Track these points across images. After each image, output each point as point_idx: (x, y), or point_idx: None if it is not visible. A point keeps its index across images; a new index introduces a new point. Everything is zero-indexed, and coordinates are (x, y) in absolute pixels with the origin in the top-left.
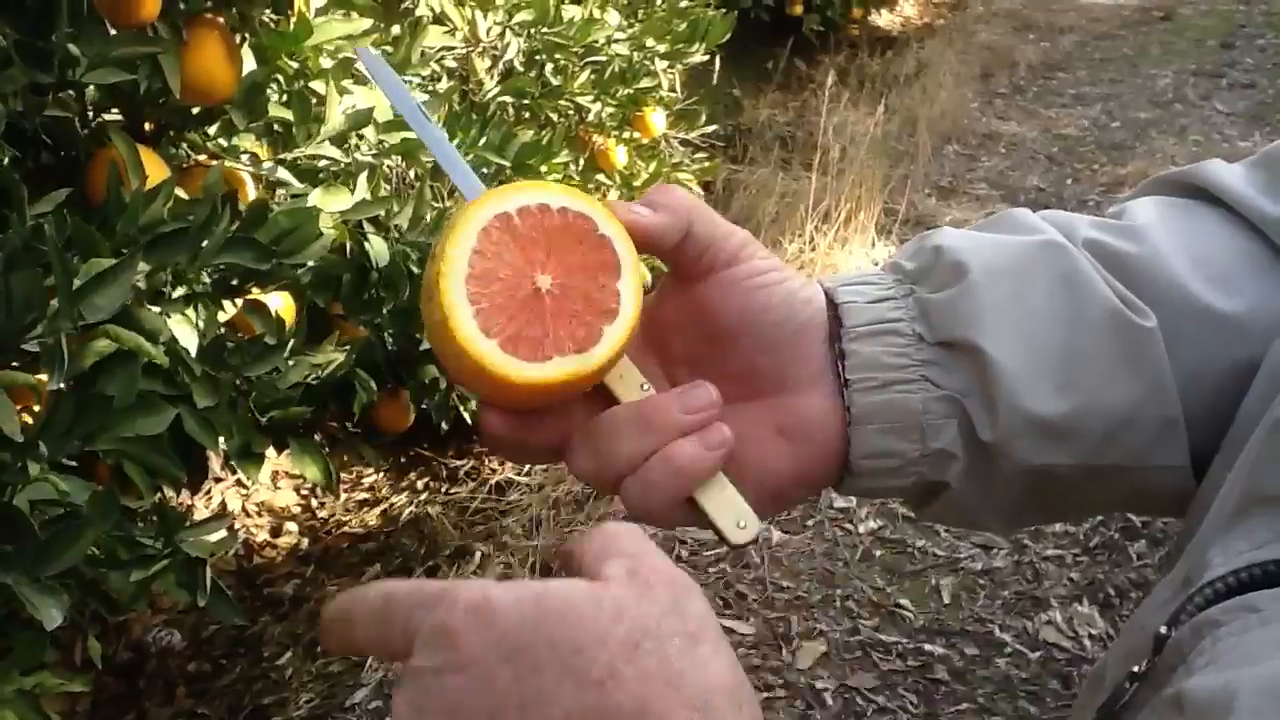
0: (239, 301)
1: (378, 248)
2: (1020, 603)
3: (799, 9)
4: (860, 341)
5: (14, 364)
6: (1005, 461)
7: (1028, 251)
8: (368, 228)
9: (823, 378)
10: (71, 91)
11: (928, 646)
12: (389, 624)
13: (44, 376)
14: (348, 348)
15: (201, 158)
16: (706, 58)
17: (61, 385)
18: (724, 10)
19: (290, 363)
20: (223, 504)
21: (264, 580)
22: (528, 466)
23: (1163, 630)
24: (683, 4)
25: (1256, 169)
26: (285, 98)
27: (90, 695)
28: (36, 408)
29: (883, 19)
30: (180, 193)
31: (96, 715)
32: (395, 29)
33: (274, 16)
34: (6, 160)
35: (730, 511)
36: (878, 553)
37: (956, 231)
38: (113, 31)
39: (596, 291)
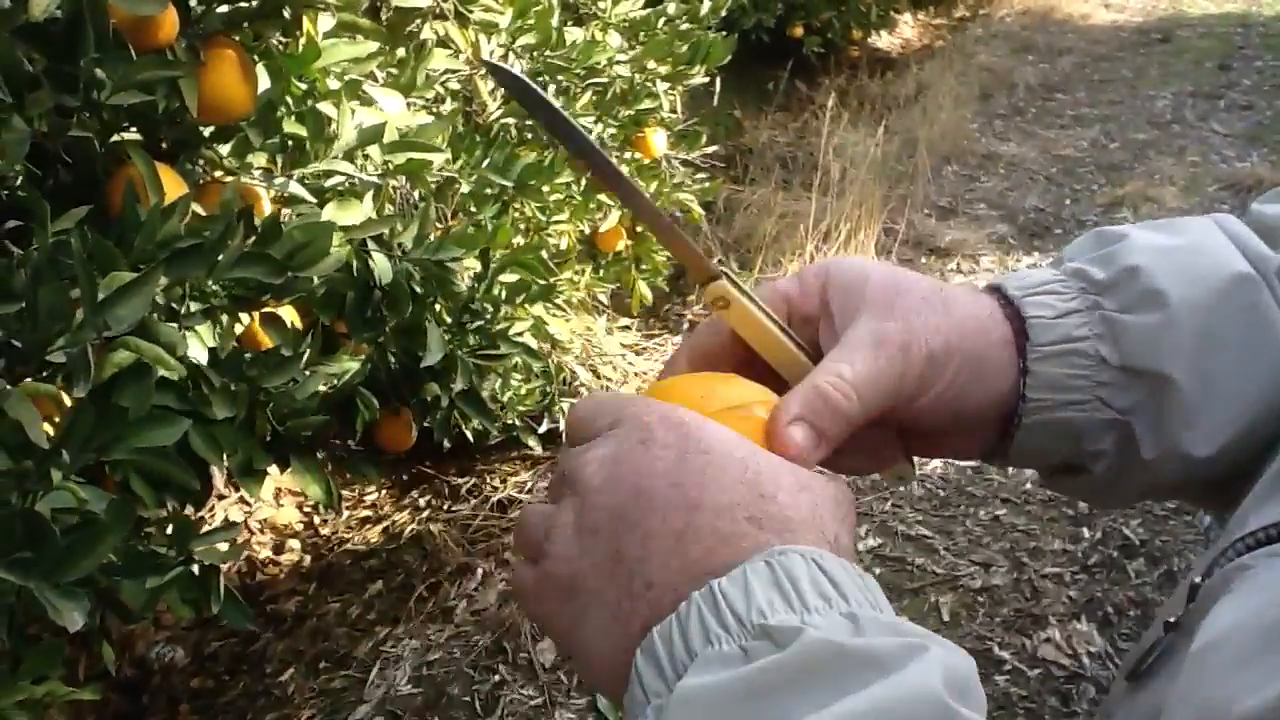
0: (254, 315)
1: (381, 266)
2: (1019, 620)
3: (799, 31)
4: (1044, 362)
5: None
6: (1151, 473)
7: (1223, 287)
8: (372, 246)
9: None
10: (91, 113)
11: None
12: (599, 414)
13: (55, 388)
14: (362, 357)
15: (217, 174)
16: (707, 79)
17: (83, 395)
18: (724, 33)
19: (307, 373)
20: (226, 520)
21: (266, 597)
22: (529, 484)
23: (1197, 580)
24: (683, 26)
25: None
26: (296, 116)
27: (94, 711)
28: (57, 418)
29: (882, 41)
30: (197, 209)
31: None
32: (400, 52)
33: (283, 40)
34: (21, 179)
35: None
36: (877, 570)
37: (1144, 242)
38: (135, 55)
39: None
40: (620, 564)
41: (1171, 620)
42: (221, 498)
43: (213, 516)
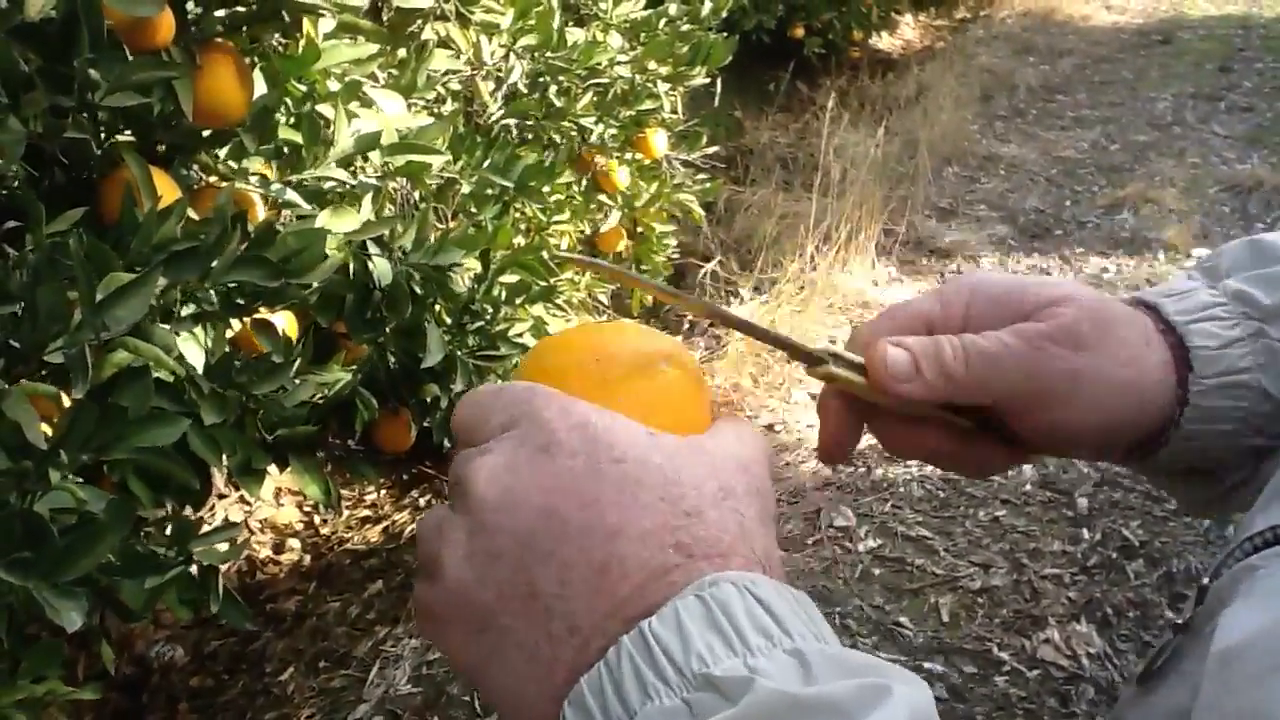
0: (246, 320)
1: (381, 268)
2: (1018, 621)
3: (800, 32)
4: (1207, 395)
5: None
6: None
7: None
8: (371, 248)
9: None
10: (86, 114)
11: (926, 665)
12: (492, 409)
13: (53, 389)
14: (354, 368)
15: (212, 179)
16: (708, 80)
17: (82, 395)
18: (725, 34)
19: (296, 381)
20: (226, 520)
21: (266, 596)
22: None
23: (1205, 581)
24: (684, 27)
25: None
26: (294, 120)
27: (94, 710)
28: (55, 419)
29: (883, 42)
30: (191, 213)
31: None
32: (401, 53)
33: (282, 41)
34: (19, 180)
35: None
36: (877, 571)
37: None
38: (130, 57)
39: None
40: (535, 600)
41: (1180, 622)
42: (222, 497)
43: (213, 516)
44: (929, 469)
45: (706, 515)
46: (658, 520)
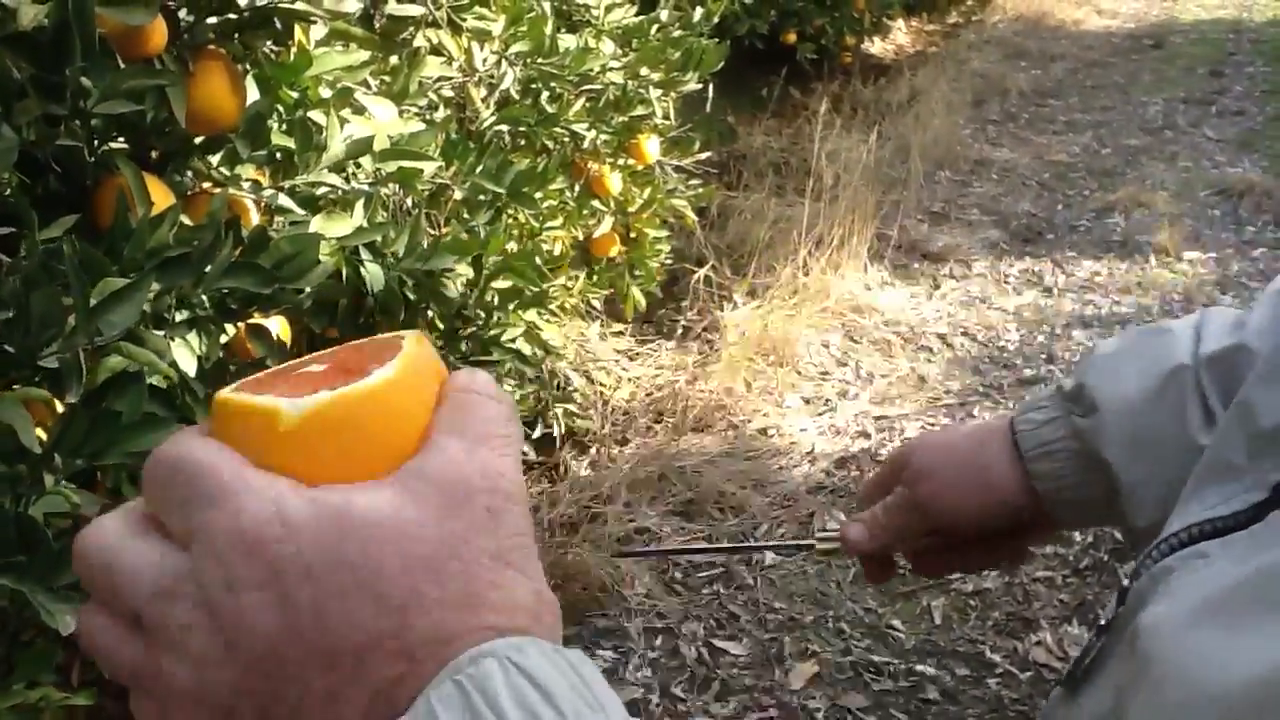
0: (241, 326)
1: (374, 274)
2: (1011, 624)
3: (792, 37)
4: (1034, 461)
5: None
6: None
7: (1154, 390)
8: (364, 254)
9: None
10: (79, 122)
11: (919, 667)
12: (169, 493)
13: (47, 394)
14: None
15: (206, 185)
16: (700, 86)
17: (75, 400)
18: (717, 39)
19: None
20: None
21: None
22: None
23: (1126, 583)
24: (676, 33)
25: None
26: (286, 126)
27: (88, 716)
28: (48, 423)
29: (876, 47)
30: (185, 219)
31: None
32: (393, 59)
33: (274, 48)
34: (13, 186)
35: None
36: None
37: (1097, 360)
38: (122, 64)
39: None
40: None
41: (1104, 624)
42: None
43: None
44: None
45: (424, 598)
46: (369, 632)
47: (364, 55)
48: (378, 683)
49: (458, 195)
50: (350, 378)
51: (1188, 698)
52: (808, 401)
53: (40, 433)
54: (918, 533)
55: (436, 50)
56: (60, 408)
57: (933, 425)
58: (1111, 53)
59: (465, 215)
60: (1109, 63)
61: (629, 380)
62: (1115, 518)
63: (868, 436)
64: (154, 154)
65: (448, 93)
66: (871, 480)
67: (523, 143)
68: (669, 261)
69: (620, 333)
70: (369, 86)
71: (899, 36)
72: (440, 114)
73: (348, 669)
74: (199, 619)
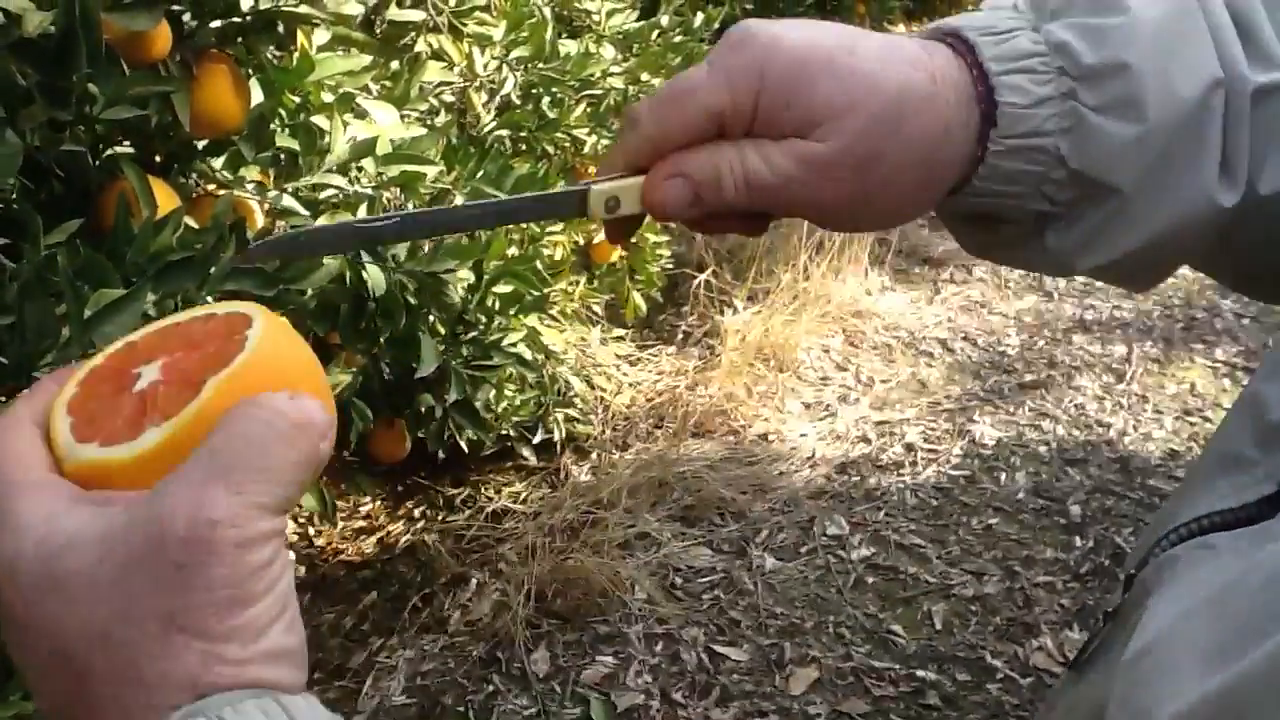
0: None
1: (375, 277)
2: (1011, 629)
3: None
4: (1004, 156)
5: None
6: (1033, 251)
7: (1195, 105)
8: (365, 257)
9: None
10: (84, 127)
11: (920, 672)
12: None
13: None
14: (354, 370)
15: (210, 188)
16: None
17: None
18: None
19: None
20: None
21: None
22: (523, 494)
23: (1132, 572)
24: (677, 39)
25: None
26: (289, 129)
27: None
28: None
29: None
30: (190, 221)
31: None
32: (394, 64)
33: (277, 53)
34: (17, 191)
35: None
36: (870, 579)
37: (1139, 25)
38: (127, 70)
39: (211, 360)
40: None
41: (1109, 611)
42: None
43: None
44: (922, 477)
45: (93, 670)
46: (59, 695)
47: (366, 60)
48: None
49: (458, 199)
50: (185, 392)
51: (1183, 689)
52: (808, 407)
53: None
54: (770, 209)
55: (437, 55)
56: None
57: (933, 429)
58: None
59: None
60: None
61: (630, 385)
62: (1011, 244)
63: (868, 442)
64: (158, 158)
65: (449, 98)
66: (689, 107)
67: (523, 147)
68: (669, 267)
69: (621, 338)
70: (370, 91)
71: None
72: (441, 119)
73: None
74: None
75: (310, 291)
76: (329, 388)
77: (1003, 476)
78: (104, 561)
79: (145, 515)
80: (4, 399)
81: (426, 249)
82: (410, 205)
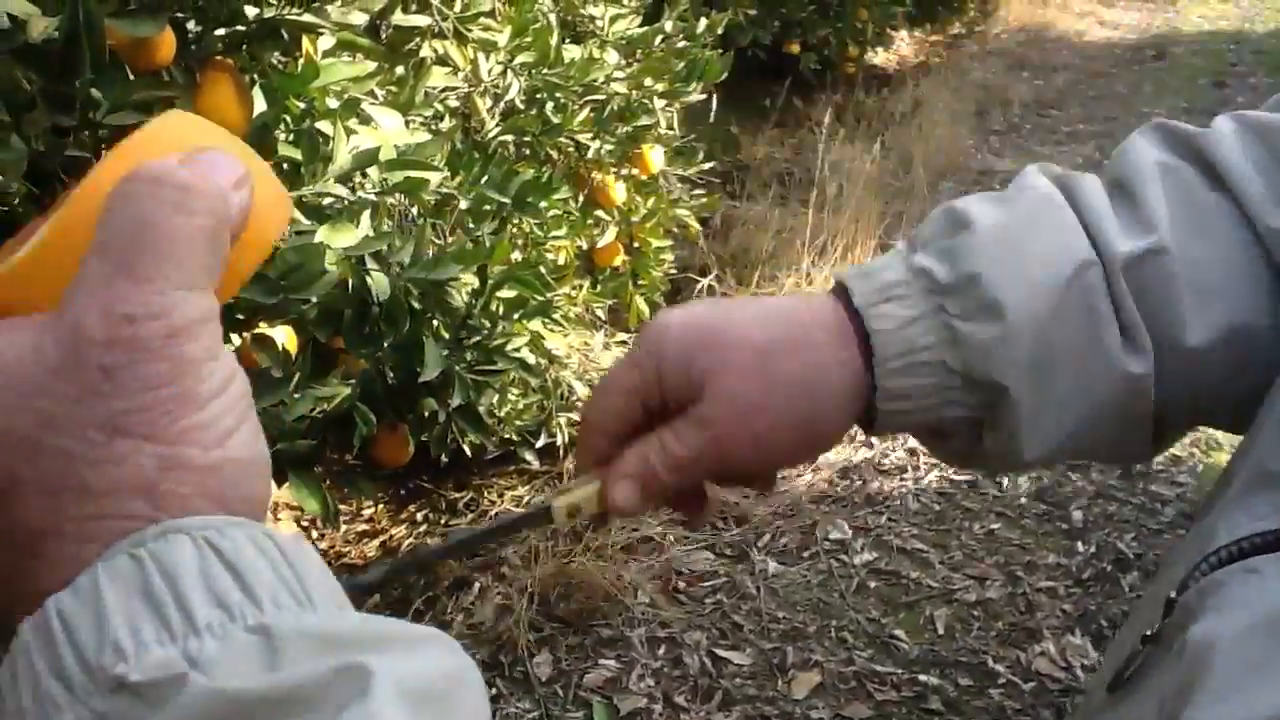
0: (246, 335)
1: (379, 283)
2: (1013, 634)
3: (796, 48)
4: (891, 377)
5: None
6: (994, 457)
7: (1061, 290)
8: (369, 263)
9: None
10: (87, 132)
11: (922, 677)
12: None
13: None
14: (353, 381)
15: None
16: (704, 96)
17: None
18: (721, 50)
19: (296, 395)
20: None
21: None
22: (526, 498)
23: (1172, 595)
24: (680, 44)
25: (1265, 162)
26: (293, 137)
27: None
28: None
29: (879, 58)
30: None
31: None
32: (399, 70)
33: (281, 59)
34: (21, 196)
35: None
36: (873, 584)
37: (986, 239)
38: (131, 76)
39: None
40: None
41: (1149, 634)
42: None
43: None
44: (924, 482)
45: (21, 484)
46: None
47: (371, 66)
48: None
49: (463, 205)
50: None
51: (1244, 713)
52: None
53: None
54: (706, 478)
55: (442, 61)
56: None
57: None
58: (1114, 64)
59: (470, 225)
60: (1111, 73)
61: None
62: (966, 451)
63: (870, 446)
64: None
65: (453, 103)
66: (614, 393)
67: (527, 153)
68: (673, 271)
69: (624, 342)
70: (375, 97)
71: (902, 47)
72: (446, 124)
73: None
74: None
75: (314, 299)
76: (243, 144)
77: (1005, 481)
78: (18, 377)
79: (55, 329)
80: None
81: (430, 254)
82: (415, 211)
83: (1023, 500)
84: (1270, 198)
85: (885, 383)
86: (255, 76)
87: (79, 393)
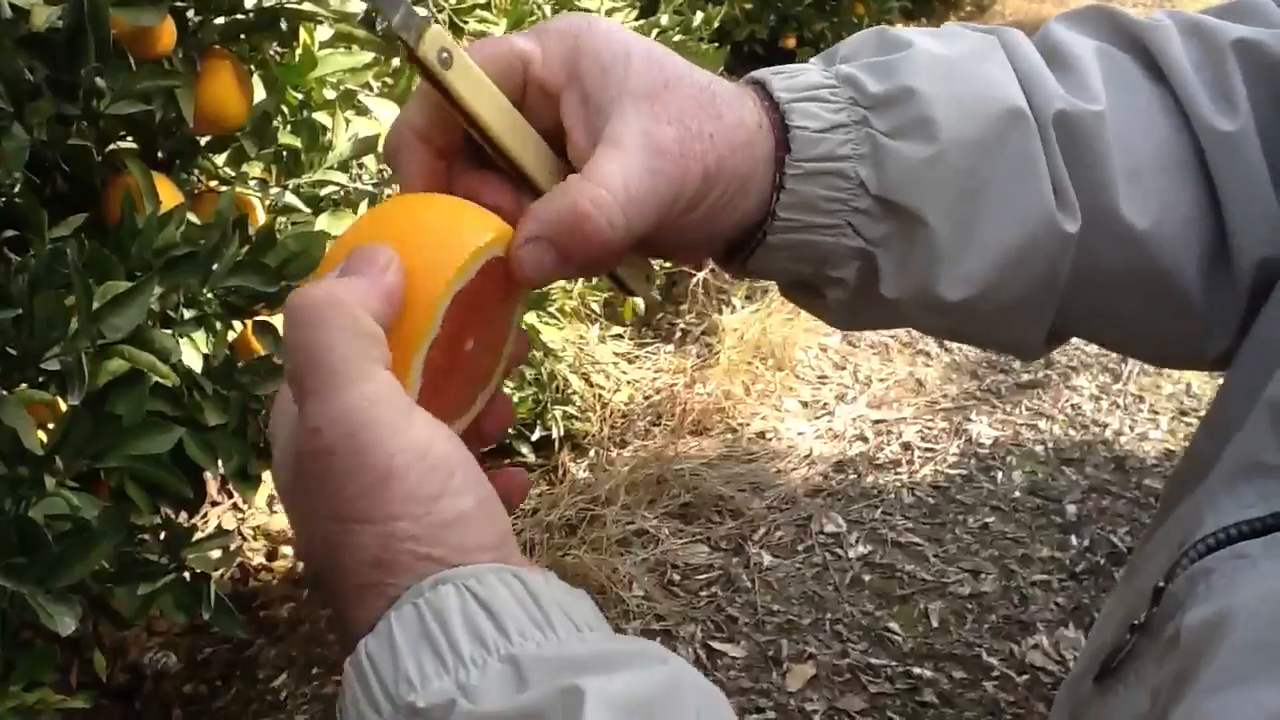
0: (247, 323)
1: None
2: (1007, 627)
3: (792, 42)
4: (803, 180)
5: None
6: (887, 309)
7: (996, 125)
8: None
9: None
10: (87, 121)
11: (916, 670)
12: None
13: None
14: None
15: (213, 184)
16: None
17: (77, 403)
18: (717, 44)
19: None
20: (219, 527)
21: (260, 603)
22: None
23: (1160, 584)
24: (676, 38)
25: (1204, 57)
26: (292, 126)
27: (85, 718)
28: (51, 425)
29: None
30: (192, 217)
31: None
32: (395, 61)
33: (280, 50)
34: (22, 185)
35: (640, 269)
36: (867, 577)
37: (925, 58)
38: (134, 65)
39: (476, 373)
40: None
41: (1136, 623)
42: (214, 504)
43: (205, 524)
44: (919, 475)
45: (312, 557)
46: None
47: (368, 57)
48: (356, 584)
49: None
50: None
51: (1240, 705)
52: (806, 405)
53: (42, 435)
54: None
55: None
56: (62, 408)
57: (931, 428)
58: None
59: None
60: None
61: (628, 383)
62: (847, 301)
63: (865, 440)
64: (160, 154)
65: None
66: (535, 46)
67: None
68: (668, 266)
69: (619, 336)
70: (371, 88)
71: None
72: None
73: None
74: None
75: None
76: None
77: (999, 475)
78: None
79: (284, 439)
80: (10, 392)
81: None
82: None
83: (1017, 494)
84: (1212, 98)
85: (796, 185)
86: (254, 66)
87: (309, 494)
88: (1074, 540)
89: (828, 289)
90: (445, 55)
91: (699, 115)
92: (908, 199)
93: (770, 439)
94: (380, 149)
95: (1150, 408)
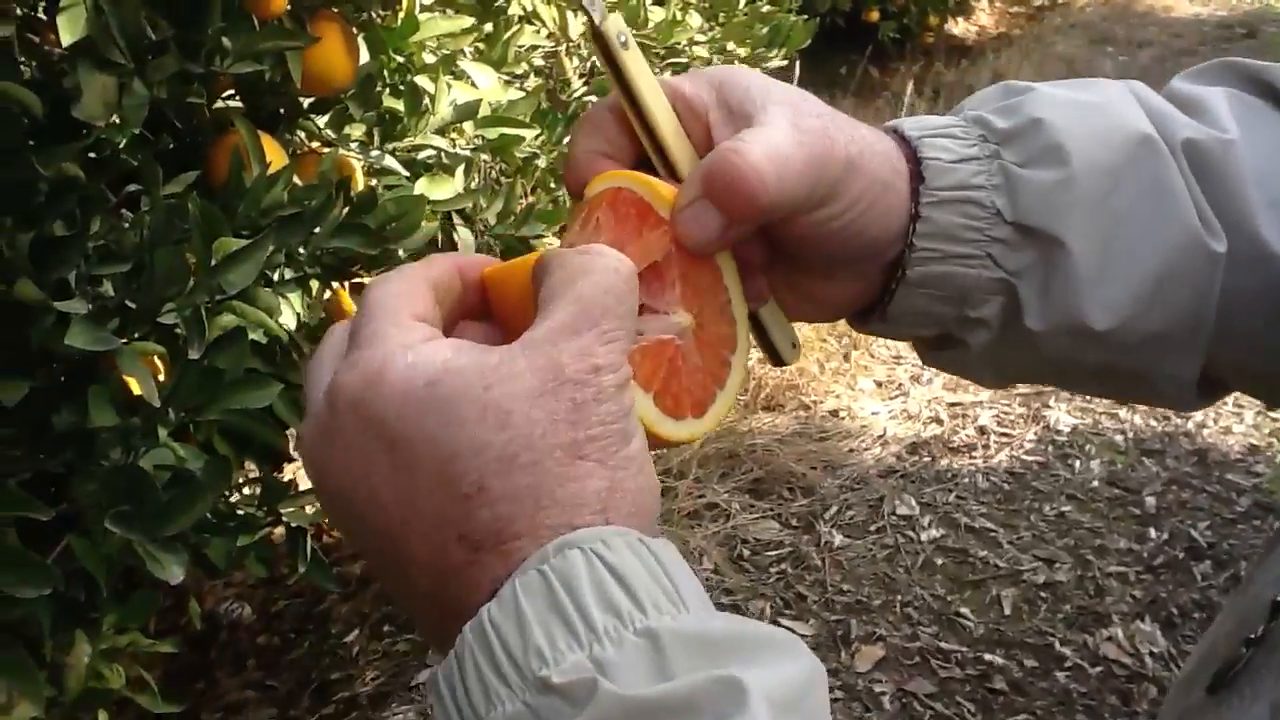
0: (343, 285)
1: (465, 239)
2: (1081, 617)
3: (875, 15)
4: (939, 208)
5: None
6: (1034, 347)
7: (1126, 150)
8: (456, 220)
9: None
10: (203, 81)
11: (987, 656)
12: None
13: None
14: None
15: (314, 145)
16: (785, 63)
17: (198, 355)
18: (805, 17)
19: None
20: (295, 484)
21: (333, 560)
22: None
23: (1278, 598)
24: (764, 9)
25: None
26: (393, 90)
27: (161, 663)
28: (158, 378)
29: (959, 27)
30: (295, 179)
31: (170, 682)
32: (488, 27)
33: (381, 12)
34: (125, 142)
35: (785, 332)
36: (939, 561)
37: (1050, 96)
38: (256, 25)
39: (716, 341)
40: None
41: (1252, 637)
42: (291, 461)
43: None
44: (995, 461)
45: (488, 491)
46: (436, 511)
47: (467, 21)
48: (436, 571)
49: (543, 164)
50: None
51: None
52: (880, 385)
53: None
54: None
55: (529, 19)
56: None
57: (1007, 413)
58: (1201, 41)
59: (551, 185)
60: (1198, 51)
61: None
62: (989, 343)
63: (940, 423)
64: (266, 113)
65: (539, 62)
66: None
67: None
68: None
69: None
70: (466, 54)
71: (982, 17)
72: (530, 83)
73: (416, 543)
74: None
75: (405, 253)
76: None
77: (1077, 464)
78: (493, 391)
79: (536, 358)
80: (126, 341)
81: (518, 211)
82: (499, 169)
83: (1095, 484)
84: None
85: (932, 213)
86: (359, 29)
87: (549, 418)
88: (1152, 533)
89: (969, 335)
90: (624, 38)
91: (839, 120)
92: (1044, 223)
93: (843, 418)
94: (479, 115)
95: (1235, 400)
